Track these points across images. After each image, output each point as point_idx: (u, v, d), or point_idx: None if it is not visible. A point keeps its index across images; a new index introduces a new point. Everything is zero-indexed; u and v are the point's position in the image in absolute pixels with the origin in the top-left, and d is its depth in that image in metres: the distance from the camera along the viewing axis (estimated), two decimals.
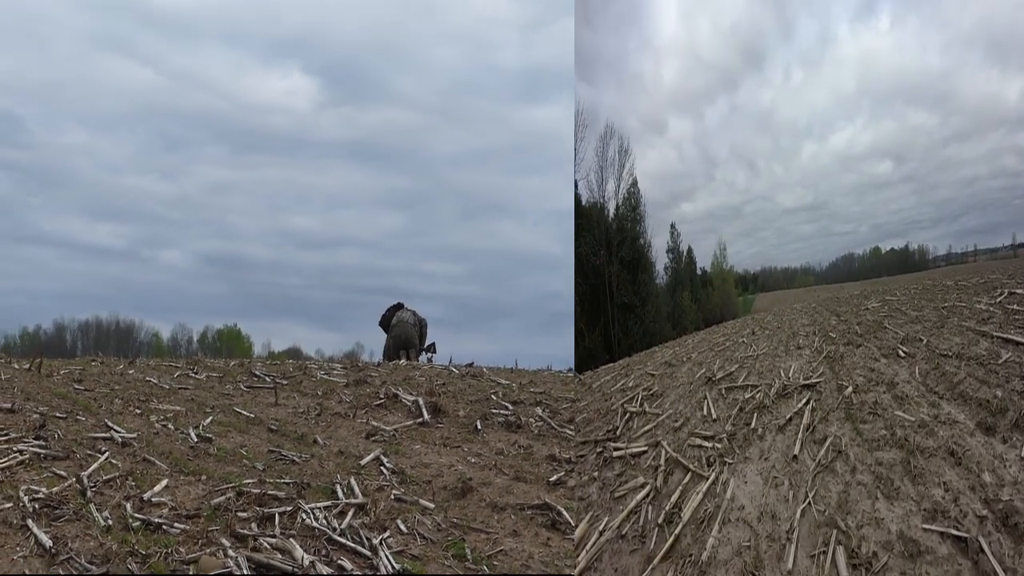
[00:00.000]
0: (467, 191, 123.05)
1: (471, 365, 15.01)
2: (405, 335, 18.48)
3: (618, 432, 9.73)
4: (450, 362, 15.84)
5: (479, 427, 9.87)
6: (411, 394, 11.34)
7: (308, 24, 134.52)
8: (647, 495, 6.63)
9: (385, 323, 19.02)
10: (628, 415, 10.67)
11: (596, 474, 7.89)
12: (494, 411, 10.62)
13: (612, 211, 42.92)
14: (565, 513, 6.86)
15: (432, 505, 6.99)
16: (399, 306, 19.11)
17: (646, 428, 9.58)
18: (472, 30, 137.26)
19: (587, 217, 40.33)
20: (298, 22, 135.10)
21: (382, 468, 8.04)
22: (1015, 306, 13.30)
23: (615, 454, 8.33)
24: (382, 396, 11.33)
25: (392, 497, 7.07)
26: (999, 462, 5.53)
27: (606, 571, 5.46)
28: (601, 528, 6.14)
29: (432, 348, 18.62)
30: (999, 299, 15.01)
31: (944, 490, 5.26)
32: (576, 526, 6.44)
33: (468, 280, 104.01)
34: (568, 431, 9.85)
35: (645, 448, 8.32)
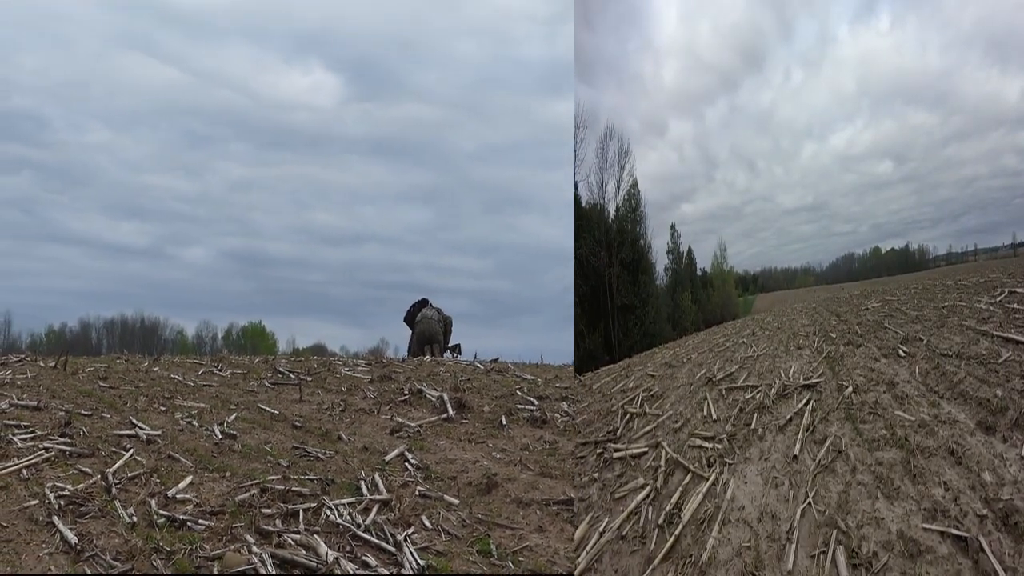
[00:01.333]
0: (490, 185, 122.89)
1: (496, 360, 15.00)
2: (429, 331, 18.60)
3: (618, 433, 9.72)
4: (475, 357, 15.87)
5: (504, 423, 9.86)
6: (436, 390, 11.35)
7: (330, 20, 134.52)
8: (647, 496, 6.63)
9: (410, 319, 19.13)
10: (628, 416, 10.66)
11: (596, 475, 7.88)
12: (519, 406, 10.62)
13: (612, 212, 42.94)
14: None
15: (457, 501, 6.99)
16: (424, 303, 19.22)
17: (646, 429, 9.57)
18: (493, 24, 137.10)
19: (587, 218, 40.31)
20: (320, 19, 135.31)
21: (407, 464, 8.06)
22: (1015, 305, 13.29)
23: (615, 455, 8.32)
24: (407, 392, 11.36)
25: (417, 493, 7.09)
26: (999, 461, 5.53)
27: (607, 572, 5.45)
28: (601, 529, 6.13)
29: (457, 349, 18.70)
30: (999, 298, 15.00)
31: (944, 489, 5.25)
32: (576, 527, 6.43)
33: (492, 275, 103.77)
34: None
35: (645, 449, 8.32)
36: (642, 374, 16.44)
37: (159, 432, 8.50)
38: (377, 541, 5.89)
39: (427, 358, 16.66)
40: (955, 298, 17.90)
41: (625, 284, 40.82)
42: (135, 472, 7.01)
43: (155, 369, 12.95)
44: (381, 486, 7.14)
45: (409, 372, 13.11)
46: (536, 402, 10.84)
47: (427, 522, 6.42)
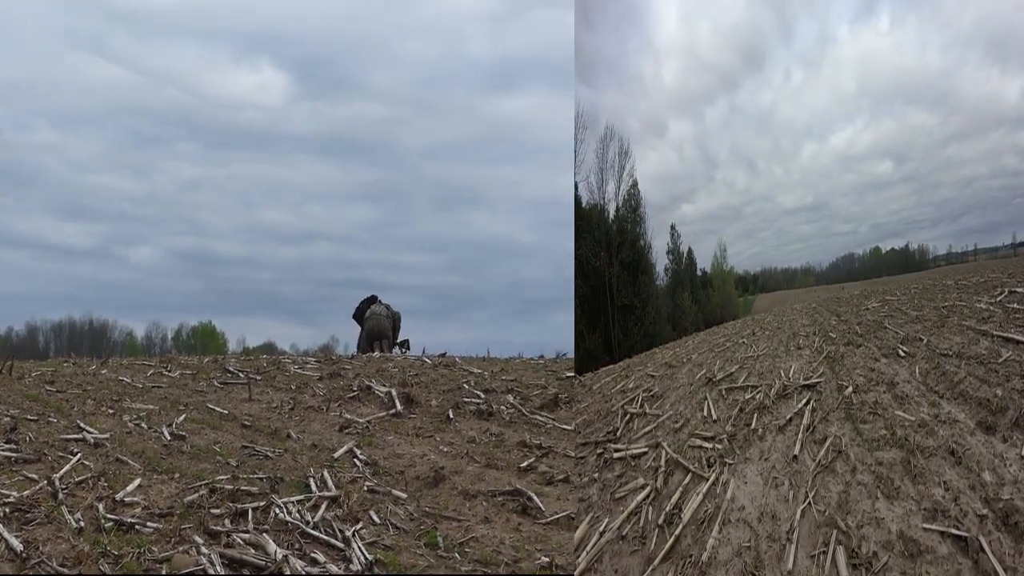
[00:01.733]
0: (439, 182, 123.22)
1: (444, 355, 15.08)
2: (378, 327, 18.66)
3: (618, 433, 9.72)
4: (423, 352, 15.90)
5: (451, 416, 9.97)
6: (384, 385, 11.40)
7: (278, 19, 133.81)
8: (647, 496, 6.63)
9: (359, 316, 19.17)
10: (628, 416, 10.66)
11: (596, 475, 7.88)
12: (466, 400, 10.74)
13: (612, 213, 42.94)
14: (536, 498, 6.96)
15: (405, 495, 7.06)
16: (373, 299, 19.28)
17: (646, 429, 9.57)
18: (442, 22, 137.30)
19: (587, 219, 40.31)
20: (268, 17, 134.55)
21: (355, 460, 8.11)
22: (1015, 305, 13.29)
23: (615, 455, 8.32)
24: (355, 388, 11.41)
25: (365, 488, 7.13)
26: (999, 461, 5.53)
27: (607, 572, 5.45)
28: (601, 529, 6.13)
29: (406, 344, 18.73)
30: (999, 298, 15.00)
31: (944, 489, 5.25)
32: (577, 527, 6.44)
33: (442, 270, 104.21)
34: (539, 417, 9.86)
35: (645, 449, 8.31)
36: (642, 374, 16.43)
37: (107, 435, 8.44)
38: (326, 537, 5.93)
39: (376, 354, 16.68)
40: (955, 298, 17.90)
41: (625, 284, 40.83)
42: (82, 476, 6.95)
43: (103, 372, 12.78)
44: (330, 483, 7.18)
45: (358, 369, 13.13)
46: (482, 395, 10.97)
47: (375, 517, 6.47)
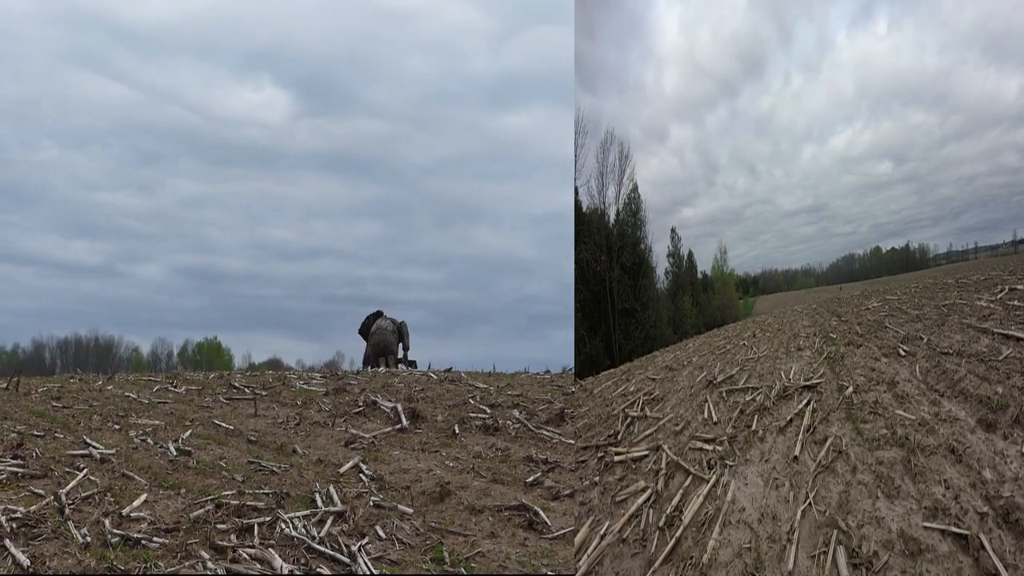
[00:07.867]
0: (442, 198, 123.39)
1: (450, 370, 15.07)
2: (384, 342, 18.65)
3: (619, 437, 9.70)
4: (429, 368, 15.92)
5: (457, 431, 9.94)
6: (390, 401, 11.38)
7: (279, 37, 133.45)
8: (648, 499, 6.61)
9: (365, 331, 19.17)
10: (629, 420, 10.64)
11: (597, 479, 7.86)
12: (472, 415, 10.70)
13: (613, 217, 42.96)
14: (542, 513, 6.95)
15: (411, 510, 7.05)
16: (378, 314, 19.29)
17: (647, 432, 9.55)
18: (442, 39, 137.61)
19: (588, 223, 40.31)
20: (269, 35, 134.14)
21: (361, 475, 8.09)
22: (1016, 302, 13.27)
23: (616, 458, 8.30)
24: (361, 404, 11.35)
25: (371, 504, 7.12)
26: (1000, 459, 5.51)
27: (607, 575, 5.44)
28: (602, 532, 6.12)
29: (413, 364, 18.72)
30: (999, 296, 14.99)
31: (945, 488, 5.24)
32: (577, 531, 6.42)
33: (446, 286, 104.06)
34: (545, 432, 9.84)
35: (646, 452, 8.30)
36: (643, 377, 16.42)
37: (113, 451, 8.38)
38: (332, 553, 5.93)
39: (382, 369, 16.66)
40: (955, 296, 17.89)
41: (626, 288, 40.81)
42: (89, 492, 6.92)
43: (109, 388, 12.61)
44: (336, 498, 7.17)
45: (363, 384, 13.10)
46: (488, 410, 10.93)
47: (381, 532, 6.47)
